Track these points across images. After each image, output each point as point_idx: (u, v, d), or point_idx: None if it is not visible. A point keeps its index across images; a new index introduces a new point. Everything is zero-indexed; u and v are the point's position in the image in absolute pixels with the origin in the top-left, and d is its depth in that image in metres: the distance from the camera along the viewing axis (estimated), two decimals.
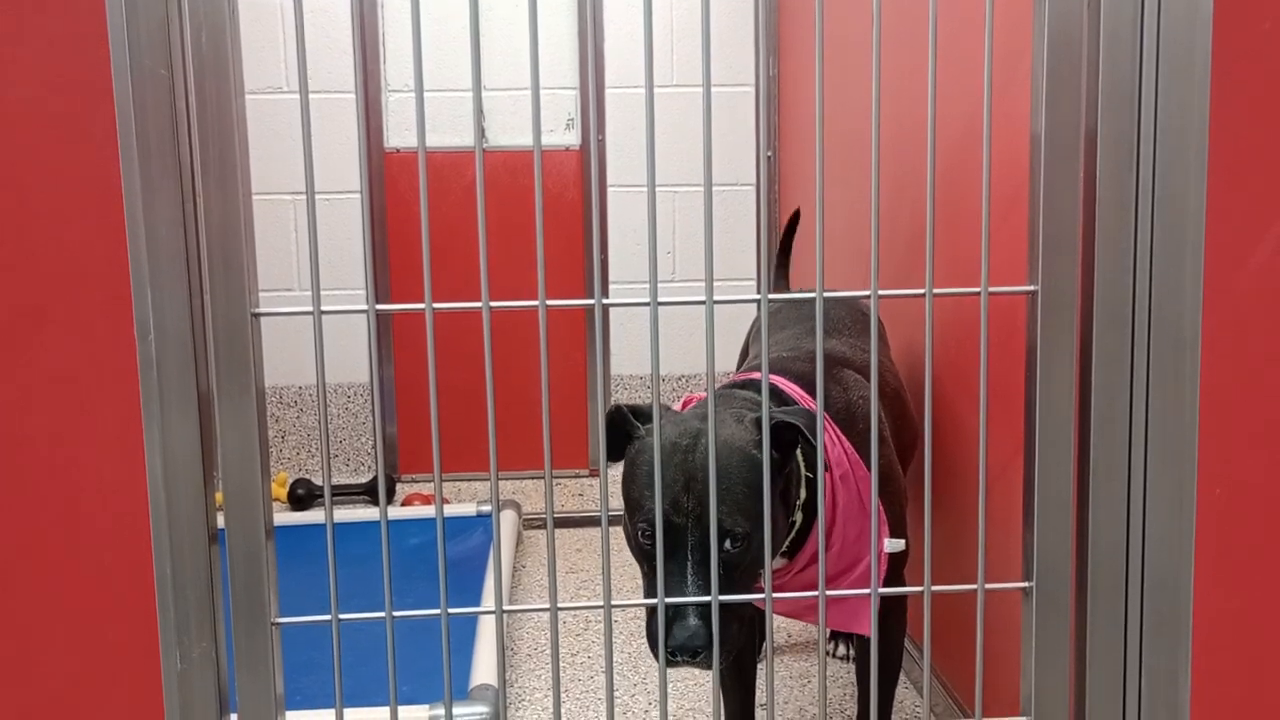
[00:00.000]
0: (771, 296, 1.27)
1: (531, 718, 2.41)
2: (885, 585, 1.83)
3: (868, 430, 1.79)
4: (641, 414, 1.66)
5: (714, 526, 1.27)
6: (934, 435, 1.30)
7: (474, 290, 1.12)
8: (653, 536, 1.58)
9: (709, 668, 1.43)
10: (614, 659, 2.66)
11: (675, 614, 1.48)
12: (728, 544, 1.56)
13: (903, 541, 1.77)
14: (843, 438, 1.79)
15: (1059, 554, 1.29)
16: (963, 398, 2.13)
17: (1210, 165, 1.22)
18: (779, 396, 1.80)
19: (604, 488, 1.29)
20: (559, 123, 3.99)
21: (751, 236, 4.04)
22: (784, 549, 1.74)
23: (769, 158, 3.92)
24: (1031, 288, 1.25)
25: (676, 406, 1.76)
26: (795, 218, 2.77)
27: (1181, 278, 1.23)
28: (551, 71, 3.96)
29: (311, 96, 3.89)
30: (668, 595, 1.51)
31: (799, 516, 1.72)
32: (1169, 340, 1.24)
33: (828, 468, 1.73)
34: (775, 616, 2.26)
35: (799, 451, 1.70)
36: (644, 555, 1.61)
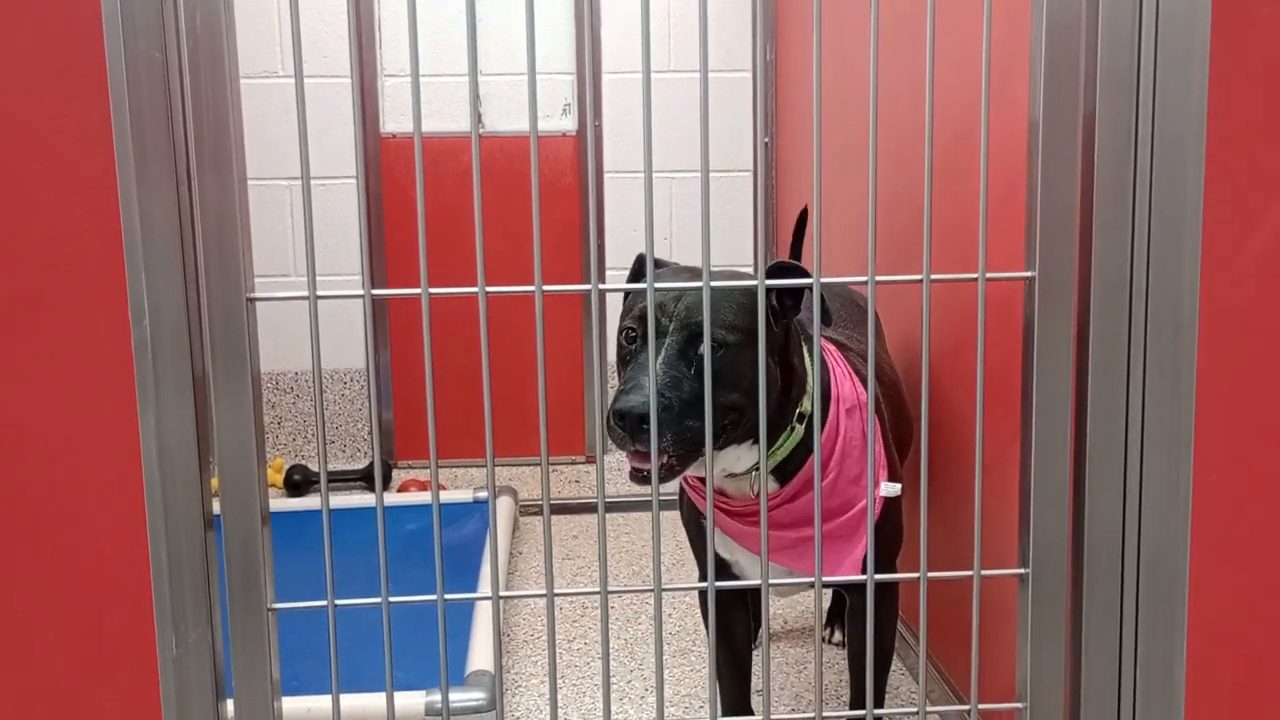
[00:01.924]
0: (768, 282, 1.26)
1: (528, 703, 2.42)
2: (875, 549, 1.83)
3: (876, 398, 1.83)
4: (661, 264, 1.80)
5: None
6: (931, 422, 1.30)
7: (470, 275, 1.12)
8: (635, 339, 1.67)
9: (645, 446, 1.51)
10: (610, 645, 2.66)
11: (632, 387, 1.57)
12: (703, 347, 1.59)
13: (899, 486, 1.77)
14: (853, 376, 1.80)
15: (1055, 540, 1.29)
16: (960, 384, 2.13)
17: (1208, 150, 1.22)
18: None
19: (600, 474, 1.28)
20: (556, 108, 3.98)
21: (748, 222, 4.03)
22: (778, 463, 1.74)
23: (766, 144, 3.91)
24: (1029, 274, 1.25)
25: None
26: (803, 218, 2.72)
27: (1179, 263, 1.23)
28: (548, 56, 3.94)
29: (307, 81, 3.87)
30: (634, 382, 1.58)
31: (799, 429, 1.72)
32: (1167, 326, 1.24)
33: (825, 365, 1.79)
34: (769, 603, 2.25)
35: (804, 352, 1.73)
36: (622, 360, 1.69)
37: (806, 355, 1.75)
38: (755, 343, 1.61)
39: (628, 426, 1.53)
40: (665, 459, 1.60)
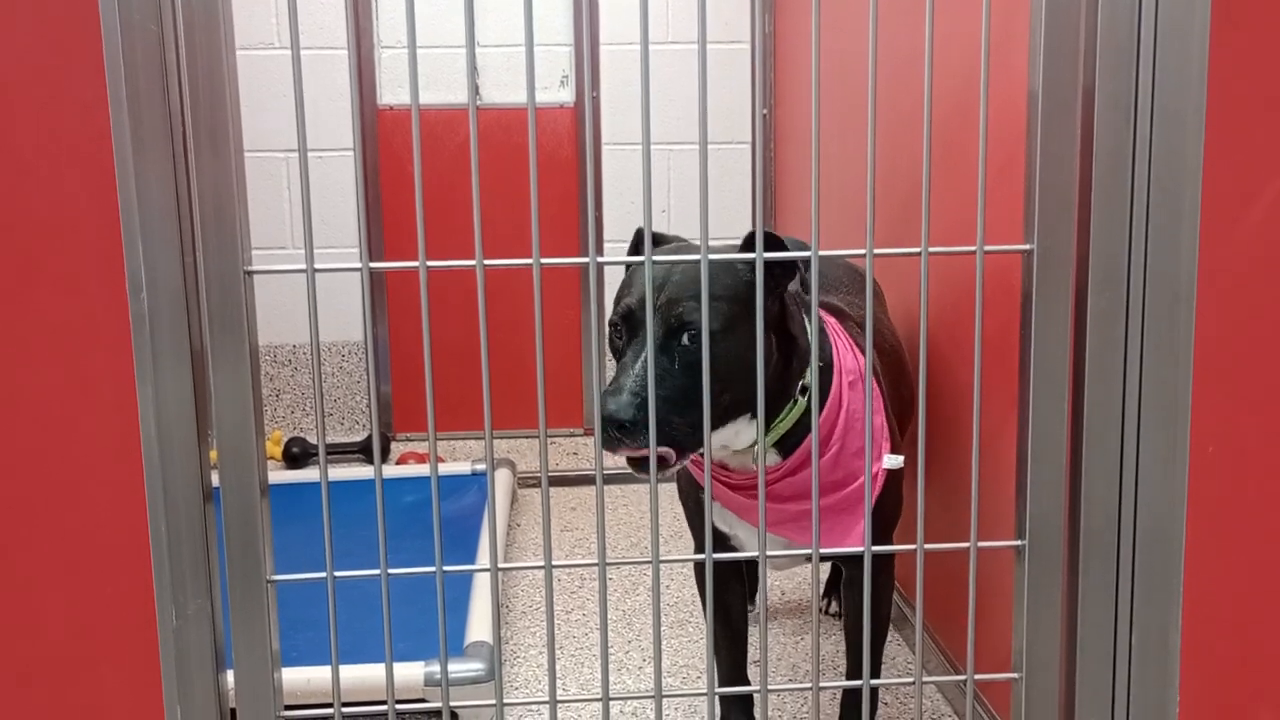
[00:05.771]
0: (766, 255, 1.26)
1: (526, 674, 2.43)
2: (876, 521, 1.83)
3: (875, 370, 1.83)
4: (661, 239, 1.80)
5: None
6: (930, 394, 1.30)
7: (468, 248, 1.13)
8: (622, 334, 1.66)
9: (638, 445, 1.51)
10: (608, 616, 2.67)
11: (614, 389, 1.56)
12: (685, 338, 1.60)
13: (901, 458, 1.77)
14: (854, 347, 1.79)
15: (1052, 512, 1.29)
16: (959, 356, 2.13)
17: (1208, 123, 1.21)
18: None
19: (598, 447, 1.29)
20: (553, 80, 3.96)
21: (747, 194, 4.02)
22: (778, 438, 1.73)
23: (765, 115, 3.90)
24: (1028, 246, 1.25)
25: None
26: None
27: (1178, 236, 1.23)
28: (546, 28, 3.92)
29: (303, 52, 3.85)
30: (619, 379, 1.58)
31: (801, 401, 1.72)
32: (1164, 298, 1.24)
33: (826, 336, 1.78)
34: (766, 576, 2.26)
35: (809, 326, 1.72)
36: (614, 351, 1.69)
37: (808, 326, 1.74)
38: (740, 322, 1.60)
39: (610, 434, 1.53)
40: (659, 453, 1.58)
